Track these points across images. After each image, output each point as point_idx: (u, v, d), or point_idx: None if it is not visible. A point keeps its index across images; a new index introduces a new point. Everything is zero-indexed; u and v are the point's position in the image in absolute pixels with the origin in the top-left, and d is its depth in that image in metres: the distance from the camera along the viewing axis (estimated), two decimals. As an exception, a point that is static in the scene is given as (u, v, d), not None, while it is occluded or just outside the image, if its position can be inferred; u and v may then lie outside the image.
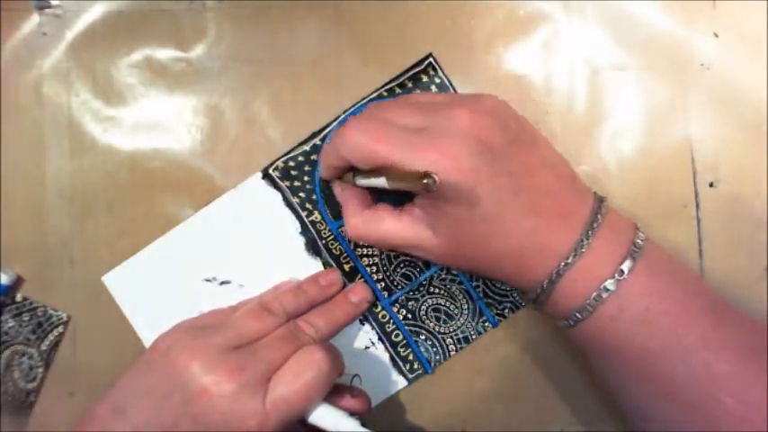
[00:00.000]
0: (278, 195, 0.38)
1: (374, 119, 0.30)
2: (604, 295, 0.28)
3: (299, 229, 0.38)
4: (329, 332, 0.34)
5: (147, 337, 0.38)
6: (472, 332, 0.38)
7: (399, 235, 0.31)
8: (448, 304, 0.38)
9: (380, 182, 0.29)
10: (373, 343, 0.38)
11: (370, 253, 0.38)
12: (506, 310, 0.38)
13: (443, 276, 0.38)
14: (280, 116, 0.38)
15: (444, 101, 0.31)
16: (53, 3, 0.38)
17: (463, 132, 0.28)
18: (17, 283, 0.38)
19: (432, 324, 0.38)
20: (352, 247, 0.38)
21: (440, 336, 0.38)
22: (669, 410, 0.29)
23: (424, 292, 0.38)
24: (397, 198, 0.33)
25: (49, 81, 0.38)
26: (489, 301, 0.38)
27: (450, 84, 0.37)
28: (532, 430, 0.38)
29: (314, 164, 0.38)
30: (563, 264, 0.28)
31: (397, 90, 0.37)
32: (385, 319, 0.38)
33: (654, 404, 0.29)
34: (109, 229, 0.38)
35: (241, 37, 0.38)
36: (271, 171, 0.38)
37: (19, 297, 0.38)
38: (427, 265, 0.38)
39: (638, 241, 0.29)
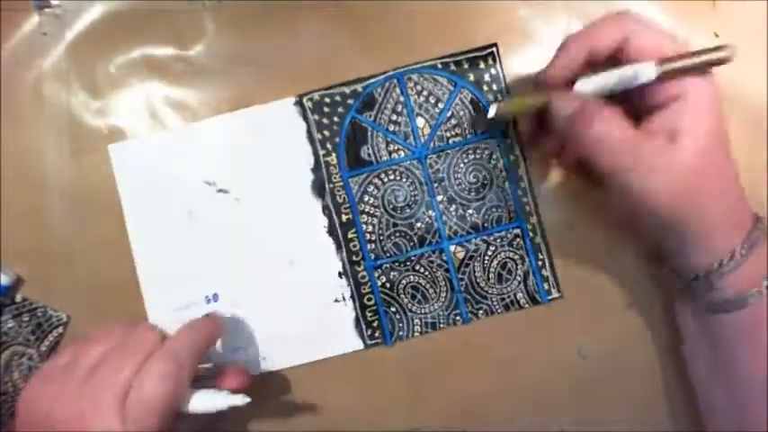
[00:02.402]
0: (303, 126, 0.38)
1: None
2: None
3: (312, 166, 0.38)
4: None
5: (132, 214, 0.38)
6: (442, 321, 0.38)
7: (630, 138, 0.30)
8: (428, 286, 0.38)
9: (646, 69, 0.30)
10: (344, 298, 0.38)
11: (371, 212, 0.38)
12: (481, 312, 0.38)
13: (432, 259, 0.38)
14: (280, 116, 0.38)
15: None
16: (53, 3, 0.38)
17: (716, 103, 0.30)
18: (17, 283, 0.38)
19: (406, 300, 0.38)
20: (356, 200, 0.38)
21: (410, 314, 0.38)
22: None
23: (409, 267, 0.38)
24: None
25: (48, 81, 0.38)
26: (468, 296, 0.38)
27: (504, 79, 0.37)
28: (532, 430, 0.38)
29: (348, 107, 0.38)
30: (741, 247, 0.30)
31: (452, 66, 0.37)
32: (363, 280, 0.38)
33: None
34: (109, 229, 0.38)
35: (241, 37, 0.38)
36: (305, 100, 0.38)
37: (19, 298, 0.38)
38: (422, 241, 0.38)
39: None
